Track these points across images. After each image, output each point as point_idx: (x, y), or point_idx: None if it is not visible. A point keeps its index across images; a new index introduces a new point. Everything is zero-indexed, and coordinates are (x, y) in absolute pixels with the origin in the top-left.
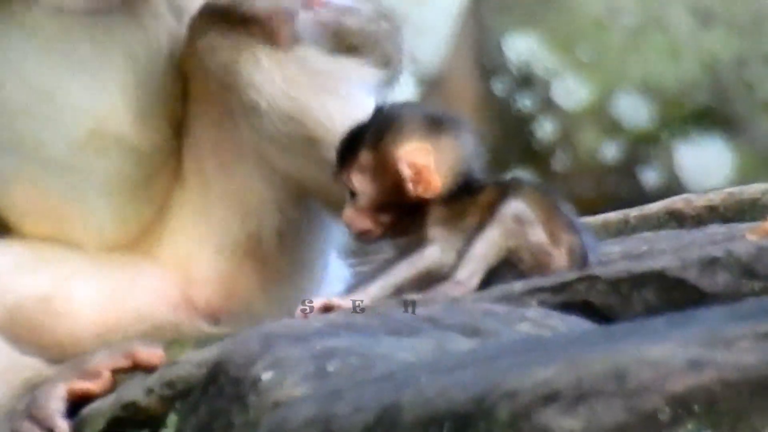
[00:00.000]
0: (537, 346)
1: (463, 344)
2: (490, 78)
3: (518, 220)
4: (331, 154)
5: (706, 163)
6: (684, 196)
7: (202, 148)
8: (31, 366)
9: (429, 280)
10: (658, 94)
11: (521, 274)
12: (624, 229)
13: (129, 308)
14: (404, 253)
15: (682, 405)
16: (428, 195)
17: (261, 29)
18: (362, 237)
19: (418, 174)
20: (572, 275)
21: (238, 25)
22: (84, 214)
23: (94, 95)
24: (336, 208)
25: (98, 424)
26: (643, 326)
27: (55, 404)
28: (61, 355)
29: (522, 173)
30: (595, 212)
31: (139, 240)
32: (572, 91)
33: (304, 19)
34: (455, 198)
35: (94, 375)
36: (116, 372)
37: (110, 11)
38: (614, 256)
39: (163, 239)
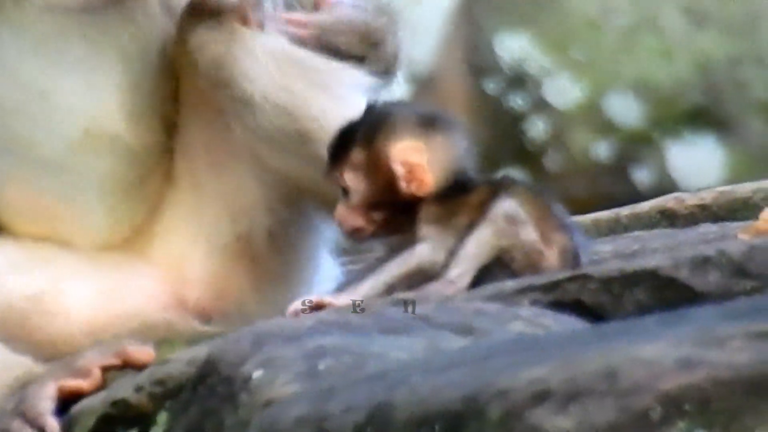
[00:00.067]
0: (529, 346)
1: (455, 343)
2: (482, 77)
3: (510, 220)
4: (324, 152)
5: (698, 163)
6: (676, 195)
7: (194, 147)
8: (22, 364)
9: (420, 278)
10: (651, 94)
11: (513, 274)
12: (616, 228)
13: (121, 307)
14: (396, 251)
15: (674, 404)
16: (421, 193)
17: (233, 15)
18: (354, 235)
19: (411, 172)
20: (564, 274)
21: (218, 16)
22: (77, 213)
23: (88, 95)
24: (328, 206)
25: (88, 422)
26: (635, 325)
27: (45, 402)
28: (52, 353)
29: (514, 172)
30: (587, 211)
31: (131, 239)
32: (564, 91)
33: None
34: (447, 197)
35: (84, 373)
36: (107, 370)
37: (103, 9)
38: (606, 255)
39: (155, 239)
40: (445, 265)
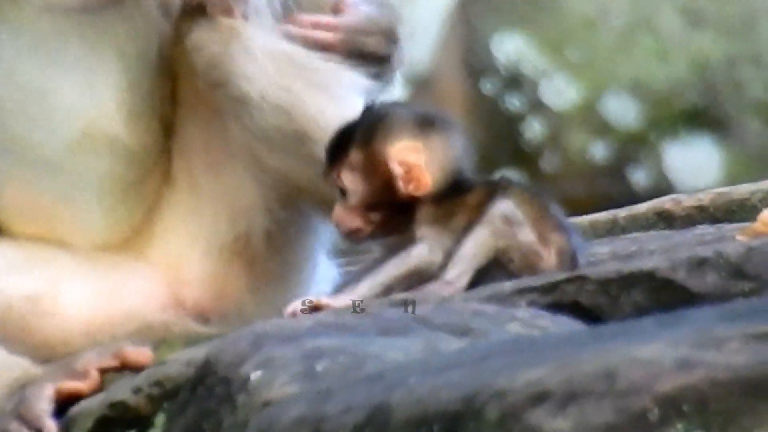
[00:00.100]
0: (527, 347)
1: (452, 344)
2: (479, 78)
3: (507, 221)
4: (322, 152)
5: (695, 164)
6: (673, 196)
7: (192, 147)
8: (20, 366)
9: (418, 279)
10: (648, 95)
11: (510, 275)
12: (613, 230)
13: (118, 308)
14: (393, 252)
15: (672, 405)
16: (418, 193)
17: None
18: (352, 236)
19: (409, 172)
20: (561, 276)
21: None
22: (75, 213)
23: (86, 95)
24: (326, 207)
25: (86, 424)
26: (632, 327)
27: (43, 404)
28: (50, 354)
29: (511, 174)
30: (584, 213)
31: (129, 240)
32: (561, 92)
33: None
34: (445, 197)
35: (82, 375)
36: (105, 372)
37: (101, 10)
38: (603, 257)
39: (153, 239)
40: (443, 266)
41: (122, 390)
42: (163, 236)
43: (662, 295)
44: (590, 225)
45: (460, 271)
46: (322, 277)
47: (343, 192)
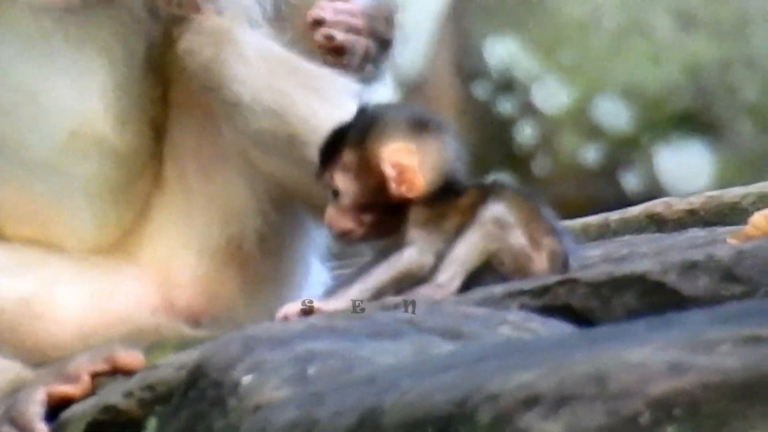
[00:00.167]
0: (518, 350)
1: (444, 347)
2: (471, 82)
3: (499, 224)
4: (314, 154)
5: (687, 167)
6: (665, 199)
7: (183, 151)
8: (11, 369)
9: (409, 282)
10: (640, 98)
11: (502, 278)
12: (605, 233)
13: (110, 311)
14: (384, 254)
15: (663, 409)
16: (411, 195)
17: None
18: (344, 237)
19: (402, 174)
20: (553, 279)
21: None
22: (65, 216)
23: (76, 97)
24: (318, 210)
25: (78, 428)
26: (623, 330)
27: (34, 408)
28: (41, 358)
29: (503, 177)
30: (576, 216)
31: (120, 243)
32: (553, 95)
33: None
34: (437, 200)
35: (74, 378)
36: (96, 375)
37: (91, 12)
38: (595, 260)
39: (144, 242)
40: (434, 269)
41: (114, 394)
42: (154, 239)
43: (654, 299)
44: (582, 228)
45: (451, 274)
46: (315, 280)
47: (336, 193)
